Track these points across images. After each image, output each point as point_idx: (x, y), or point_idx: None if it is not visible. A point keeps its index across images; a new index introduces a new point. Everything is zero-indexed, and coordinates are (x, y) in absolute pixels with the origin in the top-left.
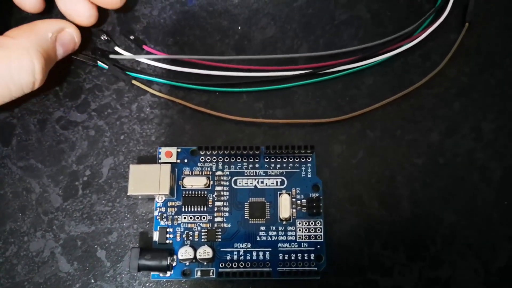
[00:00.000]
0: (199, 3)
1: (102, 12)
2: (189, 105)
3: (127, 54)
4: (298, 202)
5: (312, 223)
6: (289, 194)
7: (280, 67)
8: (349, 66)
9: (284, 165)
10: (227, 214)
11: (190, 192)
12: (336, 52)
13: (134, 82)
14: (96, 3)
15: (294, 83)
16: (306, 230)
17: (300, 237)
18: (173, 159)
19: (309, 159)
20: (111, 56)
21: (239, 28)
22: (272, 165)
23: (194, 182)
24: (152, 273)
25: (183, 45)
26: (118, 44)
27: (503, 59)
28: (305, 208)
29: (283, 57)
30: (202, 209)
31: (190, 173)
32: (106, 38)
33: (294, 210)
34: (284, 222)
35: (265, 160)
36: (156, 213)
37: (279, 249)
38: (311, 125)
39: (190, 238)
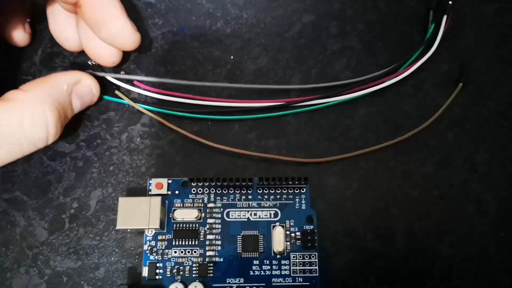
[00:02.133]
0: (190, 32)
1: None
2: (182, 132)
3: (118, 76)
4: (292, 234)
5: (306, 257)
6: (283, 226)
7: (273, 100)
8: (342, 98)
9: (278, 196)
10: (219, 248)
11: (181, 225)
12: (329, 85)
13: (117, 92)
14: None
15: (287, 112)
16: (300, 264)
17: (294, 272)
18: (164, 190)
19: (303, 190)
20: (100, 74)
21: (231, 57)
22: (266, 197)
23: (185, 214)
24: None
25: (174, 74)
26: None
27: (495, 89)
28: (299, 241)
29: (276, 88)
30: (193, 243)
31: (181, 205)
32: (94, 63)
33: (288, 243)
34: (278, 256)
35: (258, 191)
36: (145, 247)
37: (273, 284)
38: (304, 156)
39: (181, 273)
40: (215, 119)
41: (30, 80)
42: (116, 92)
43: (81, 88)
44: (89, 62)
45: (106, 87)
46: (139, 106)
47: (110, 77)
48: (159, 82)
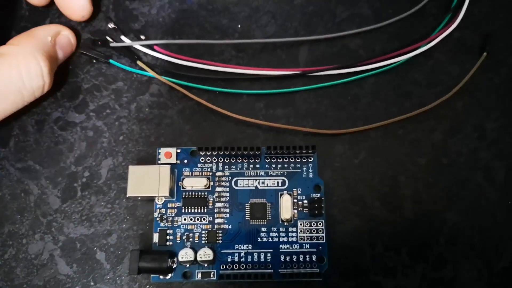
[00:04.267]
0: (198, 1)
1: (99, 11)
2: (193, 97)
3: (127, 41)
4: (300, 203)
5: (313, 224)
6: (290, 195)
7: (282, 69)
8: (352, 70)
9: (285, 165)
10: (227, 215)
11: (190, 193)
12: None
13: (139, 63)
14: None
15: (296, 88)
16: (307, 231)
17: (301, 239)
18: (173, 160)
19: (310, 159)
20: (112, 44)
21: (239, 26)
22: (273, 166)
23: (194, 183)
24: (152, 275)
25: (182, 44)
26: (124, 33)
27: (506, 57)
28: (306, 209)
29: (285, 41)
30: (202, 211)
31: (190, 174)
32: (113, 26)
33: (295, 211)
34: (285, 223)
35: (266, 160)
36: (155, 214)
37: (280, 250)
38: (312, 125)
39: (191, 239)
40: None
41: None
42: (139, 62)
43: (62, 39)
44: (109, 26)
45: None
46: (162, 78)
47: (136, 45)
48: (179, 44)
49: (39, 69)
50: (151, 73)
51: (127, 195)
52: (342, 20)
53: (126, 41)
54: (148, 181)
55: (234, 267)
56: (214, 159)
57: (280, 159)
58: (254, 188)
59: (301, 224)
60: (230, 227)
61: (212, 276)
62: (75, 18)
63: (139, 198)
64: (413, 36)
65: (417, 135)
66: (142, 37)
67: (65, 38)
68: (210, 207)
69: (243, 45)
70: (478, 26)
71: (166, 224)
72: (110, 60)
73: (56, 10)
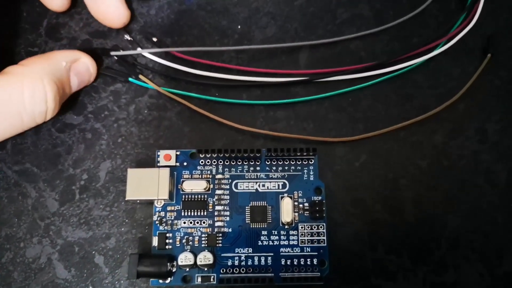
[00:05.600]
0: (197, 1)
1: None
2: (190, 105)
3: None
4: (301, 205)
5: (314, 227)
6: (291, 197)
7: (281, 71)
8: (354, 76)
9: (286, 168)
10: (227, 218)
11: (189, 196)
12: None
13: (141, 76)
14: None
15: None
16: (308, 234)
17: (302, 242)
18: (172, 162)
19: (311, 161)
20: (112, 53)
21: (239, 27)
22: (274, 168)
23: (193, 186)
24: (151, 279)
25: (181, 45)
26: (141, 46)
27: (507, 59)
28: (307, 212)
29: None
30: (202, 214)
31: (190, 177)
32: (129, 38)
33: (296, 214)
34: (286, 227)
35: (266, 163)
36: (155, 218)
37: (281, 254)
38: (313, 127)
39: (190, 243)
40: (222, 89)
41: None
42: (140, 76)
43: (79, 66)
44: (126, 37)
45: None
46: (162, 89)
47: (145, 53)
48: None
49: (43, 94)
50: (152, 85)
51: (126, 199)
52: (342, 22)
53: (139, 49)
54: (147, 184)
55: (235, 271)
56: (214, 162)
57: (280, 162)
58: (254, 191)
59: (302, 227)
60: (230, 230)
61: (212, 280)
62: (116, 25)
63: (138, 201)
64: (415, 38)
65: (418, 137)
66: (154, 39)
67: (83, 65)
68: (210, 210)
69: (243, 46)
70: (479, 27)
71: (166, 227)
72: (130, 79)
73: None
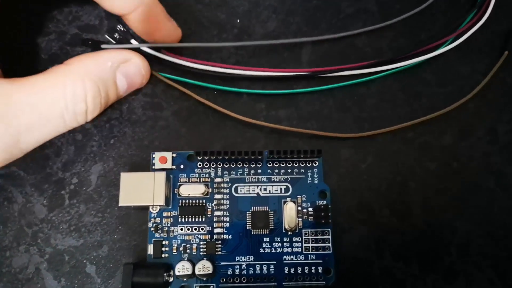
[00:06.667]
0: None
1: (92, 5)
2: (190, 94)
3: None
4: (304, 210)
5: (319, 234)
6: (294, 202)
7: (283, 69)
8: (359, 72)
9: (289, 170)
10: (227, 224)
11: (187, 201)
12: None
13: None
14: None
15: (299, 90)
16: (313, 241)
17: (307, 249)
18: (168, 165)
19: (315, 164)
20: (103, 46)
21: (238, 21)
22: (276, 171)
23: (191, 190)
24: None
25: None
26: (133, 35)
27: None
28: (312, 217)
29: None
30: (200, 220)
31: (187, 181)
32: (122, 29)
33: (300, 219)
34: (289, 233)
35: (268, 165)
36: (150, 224)
37: (284, 262)
38: (316, 127)
39: (188, 251)
40: (221, 89)
41: None
42: (153, 72)
43: (128, 67)
44: (118, 27)
45: None
46: (159, 74)
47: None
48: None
49: (83, 93)
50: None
51: (119, 205)
52: (347, 16)
53: (134, 42)
54: (141, 189)
55: (235, 281)
56: (213, 164)
57: (283, 164)
58: (255, 195)
59: (306, 234)
60: (230, 237)
61: None
62: (171, 40)
63: (132, 207)
64: (421, 34)
65: (427, 138)
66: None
67: (134, 67)
68: (208, 216)
69: (242, 41)
70: (490, 24)
71: (162, 234)
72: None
73: None
